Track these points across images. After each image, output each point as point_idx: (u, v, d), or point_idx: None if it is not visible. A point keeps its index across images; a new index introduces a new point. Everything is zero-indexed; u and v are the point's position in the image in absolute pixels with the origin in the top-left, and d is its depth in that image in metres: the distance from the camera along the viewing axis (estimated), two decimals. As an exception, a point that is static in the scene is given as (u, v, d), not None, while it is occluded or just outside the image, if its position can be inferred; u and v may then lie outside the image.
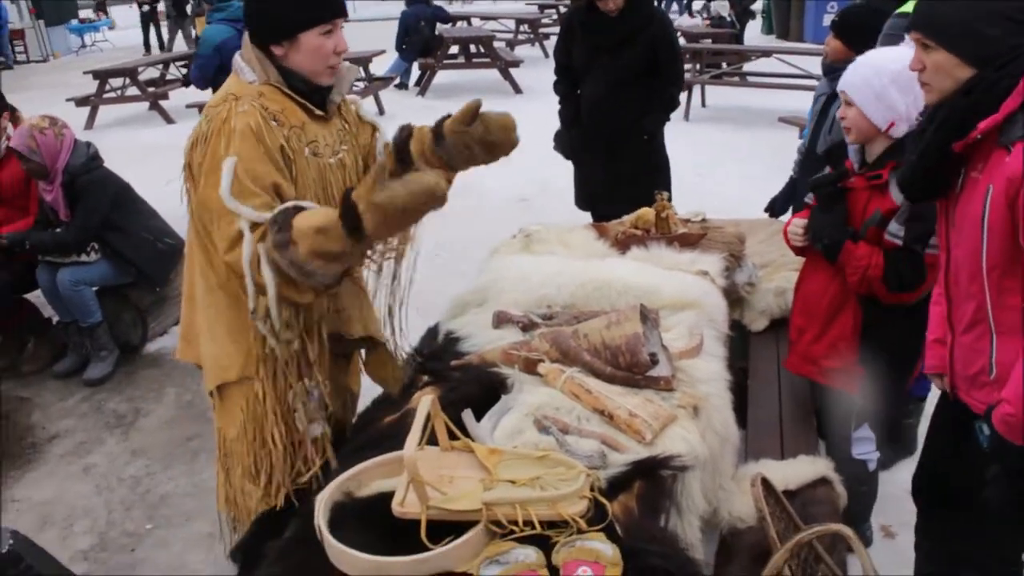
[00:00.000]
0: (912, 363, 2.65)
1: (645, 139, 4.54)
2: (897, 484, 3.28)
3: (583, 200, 4.88)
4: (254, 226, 2.04)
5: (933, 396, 3.33)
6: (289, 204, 2.05)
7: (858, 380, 2.64)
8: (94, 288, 4.58)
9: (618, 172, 4.57)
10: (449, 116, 2.23)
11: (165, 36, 18.60)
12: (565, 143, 4.84)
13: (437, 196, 1.86)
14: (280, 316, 2.09)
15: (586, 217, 4.82)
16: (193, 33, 16.61)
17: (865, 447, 2.81)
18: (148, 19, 18.36)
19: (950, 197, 1.98)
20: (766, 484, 2.08)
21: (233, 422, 2.35)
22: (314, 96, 2.25)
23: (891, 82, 2.40)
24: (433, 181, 1.86)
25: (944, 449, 2.30)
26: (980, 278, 1.91)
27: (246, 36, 2.25)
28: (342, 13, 2.21)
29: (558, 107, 4.78)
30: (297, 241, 1.95)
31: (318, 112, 2.27)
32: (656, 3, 4.55)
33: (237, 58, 2.25)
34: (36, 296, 4.77)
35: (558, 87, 4.76)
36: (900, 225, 2.43)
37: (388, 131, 2.47)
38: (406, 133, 2.13)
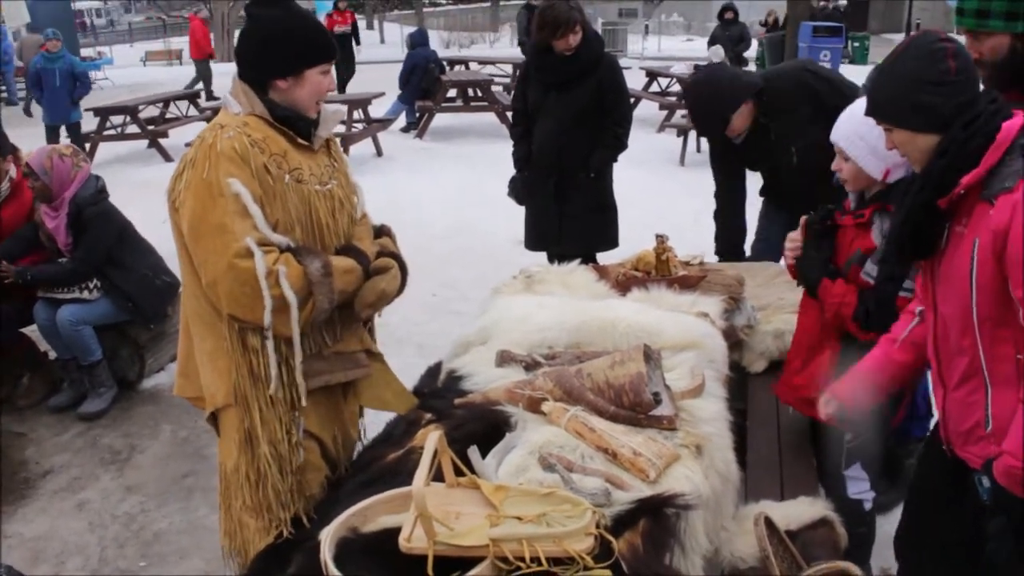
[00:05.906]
0: (893, 403, 2.65)
1: (592, 178, 4.60)
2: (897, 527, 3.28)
3: (533, 241, 4.91)
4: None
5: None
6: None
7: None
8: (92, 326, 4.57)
9: (566, 211, 4.63)
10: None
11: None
12: (517, 187, 4.91)
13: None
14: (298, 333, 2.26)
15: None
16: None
17: (859, 487, 2.80)
18: None
19: (934, 255, 2.01)
20: (769, 524, 2.09)
21: (230, 453, 2.38)
22: (298, 124, 2.37)
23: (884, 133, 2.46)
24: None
25: (933, 503, 2.29)
26: (972, 331, 1.93)
27: (235, 73, 2.38)
28: (336, 56, 2.46)
29: (511, 150, 4.87)
30: (334, 275, 2.26)
31: (301, 141, 2.37)
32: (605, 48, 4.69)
33: (226, 94, 2.39)
34: (32, 330, 4.76)
35: (513, 131, 4.87)
36: (875, 264, 2.48)
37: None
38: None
